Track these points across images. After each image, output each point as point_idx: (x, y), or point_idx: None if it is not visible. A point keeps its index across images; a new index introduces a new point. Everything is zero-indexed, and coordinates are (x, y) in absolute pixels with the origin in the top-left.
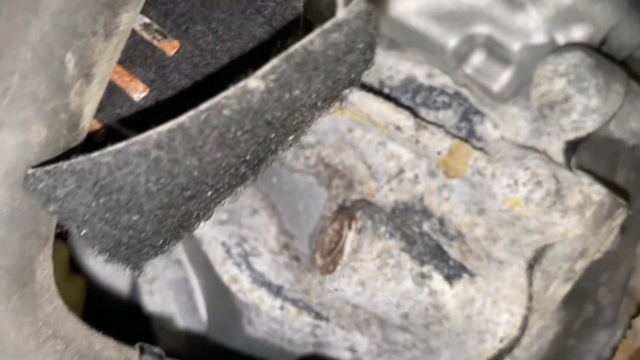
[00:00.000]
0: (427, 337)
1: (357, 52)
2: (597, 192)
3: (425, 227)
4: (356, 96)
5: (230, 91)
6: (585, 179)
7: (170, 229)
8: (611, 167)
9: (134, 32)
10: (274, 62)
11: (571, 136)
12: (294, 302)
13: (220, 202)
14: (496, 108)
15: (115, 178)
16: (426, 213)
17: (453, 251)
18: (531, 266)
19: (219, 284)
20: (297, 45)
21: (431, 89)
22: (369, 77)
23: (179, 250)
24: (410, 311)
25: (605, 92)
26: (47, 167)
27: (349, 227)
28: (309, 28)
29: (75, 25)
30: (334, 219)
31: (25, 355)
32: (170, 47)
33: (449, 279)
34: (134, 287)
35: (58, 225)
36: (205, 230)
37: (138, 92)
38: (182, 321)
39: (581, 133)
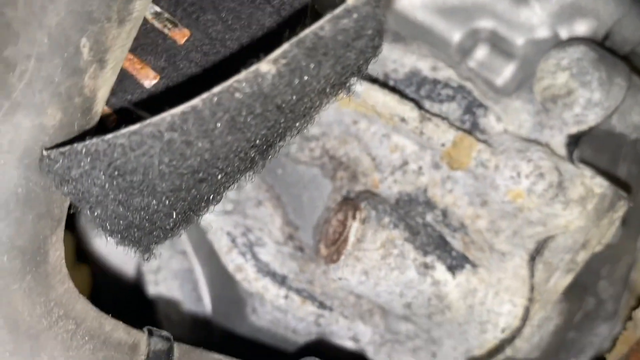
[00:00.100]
0: (430, 327)
1: (366, 38)
2: (599, 184)
3: (429, 218)
4: (361, 87)
5: (242, 75)
6: (587, 172)
7: (180, 212)
8: (613, 160)
9: (145, 21)
10: (285, 46)
11: (573, 130)
12: (298, 291)
13: (229, 186)
14: (499, 101)
15: (129, 159)
16: (430, 204)
17: (456, 242)
18: (533, 258)
19: (224, 274)
20: (307, 31)
21: (435, 82)
22: (374, 69)
23: (184, 241)
24: (413, 301)
25: (607, 86)
26: (62, 149)
27: (353, 218)
28: (316, 18)
29: (90, 11)
30: (338, 210)
31: (38, 334)
32: (180, 35)
33: (452, 269)
34: (139, 277)
35: (70, 208)
36: (211, 220)
37: (149, 79)
38: (187, 310)
39: (583, 127)
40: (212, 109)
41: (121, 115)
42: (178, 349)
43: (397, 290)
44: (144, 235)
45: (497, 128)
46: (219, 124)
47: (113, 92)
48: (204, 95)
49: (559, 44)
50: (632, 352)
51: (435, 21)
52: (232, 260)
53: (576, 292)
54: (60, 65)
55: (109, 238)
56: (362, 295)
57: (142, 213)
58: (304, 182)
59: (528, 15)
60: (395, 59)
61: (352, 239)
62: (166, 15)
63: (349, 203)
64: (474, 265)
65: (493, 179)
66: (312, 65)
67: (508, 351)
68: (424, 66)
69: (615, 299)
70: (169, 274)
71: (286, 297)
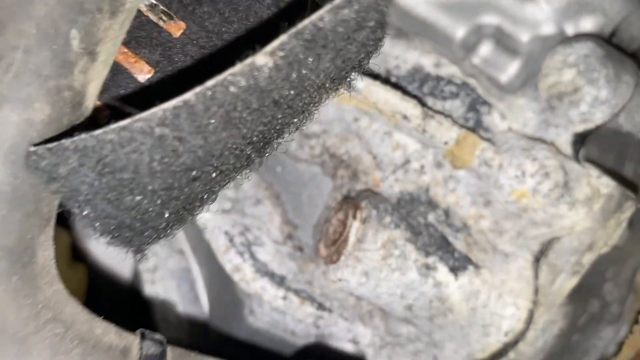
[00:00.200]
0: (431, 330)
1: (368, 29)
2: (606, 184)
3: (431, 218)
4: (363, 84)
5: (238, 68)
6: (594, 171)
7: (173, 212)
8: (619, 159)
9: (139, 13)
10: (283, 38)
11: (580, 128)
12: (297, 292)
13: (225, 185)
14: (504, 99)
15: (119, 156)
16: (432, 204)
17: (458, 243)
18: (537, 259)
19: (222, 274)
20: (306, 22)
21: (438, 78)
22: (375, 66)
23: (182, 239)
24: (414, 303)
25: (615, 84)
26: (50, 145)
27: (354, 217)
28: (315, 8)
29: (81, 2)
30: (339, 209)
31: (25, 338)
32: (176, 28)
33: (454, 270)
34: (136, 276)
35: (60, 206)
36: (208, 219)
37: (143, 74)
38: (183, 311)
39: (590, 125)
40: (206, 103)
41: (114, 110)
42: (171, 352)
43: (398, 291)
44: (136, 236)
45: (501, 126)
46: (212, 120)
47: (106, 87)
48: (197, 89)
49: (565, 40)
50: (638, 356)
51: (439, 16)
52: (230, 260)
53: (581, 294)
54: (49, 58)
55: (99, 238)
56: (362, 297)
57: (132, 212)
58: (304, 180)
59: (533, 11)
60: (397, 54)
61: (352, 239)
62: (161, 7)
63: (350, 202)
64: (476, 267)
65: (497, 178)
66: (310, 58)
67: (511, 355)
68: (427, 62)
69: (621, 302)
70: (166, 274)
71: (285, 298)
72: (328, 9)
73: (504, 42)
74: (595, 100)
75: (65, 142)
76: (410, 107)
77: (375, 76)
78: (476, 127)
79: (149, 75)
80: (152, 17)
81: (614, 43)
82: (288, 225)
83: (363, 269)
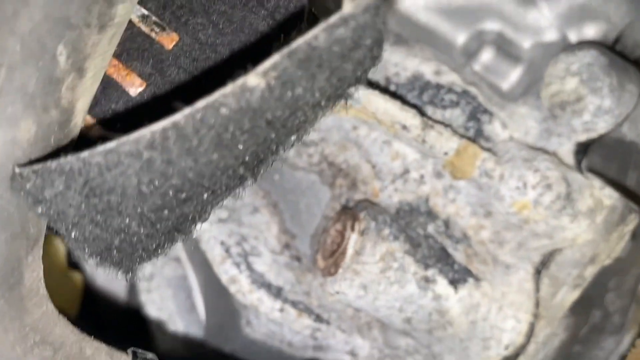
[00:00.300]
0: (430, 343)
1: (364, 48)
2: (609, 196)
3: (430, 229)
4: (361, 94)
5: (229, 89)
6: (597, 182)
7: (164, 232)
8: (622, 169)
9: (131, 24)
10: (275, 58)
11: (582, 137)
12: (294, 304)
13: (217, 204)
14: (505, 107)
15: (106, 179)
16: (431, 215)
17: (458, 254)
18: (538, 271)
19: (218, 283)
20: (300, 41)
21: (439, 86)
22: (374, 74)
23: (178, 247)
24: (413, 316)
25: (618, 93)
26: (35, 167)
27: (352, 229)
28: (314, 22)
29: (68, 16)
30: (337, 219)
31: None
32: (168, 40)
33: (454, 283)
34: (132, 284)
35: (48, 226)
36: (204, 229)
37: (135, 87)
38: (180, 320)
39: (593, 134)
40: (196, 125)
41: (106, 125)
42: None
43: (396, 304)
44: (125, 257)
45: (502, 135)
46: (203, 142)
47: (96, 101)
48: (187, 111)
49: (568, 47)
50: None
51: (439, 22)
52: (226, 271)
53: (583, 305)
54: (34, 75)
55: (88, 260)
56: (361, 309)
57: (121, 235)
58: (302, 188)
59: (536, 17)
60: (397, 62)
61: (350, 251)
62: (153, 18)
63: (348, 213)
64: (477, 279)
65: (498, 189)
66: (305, 78)
67: None
68: (427, 70)
69: (623, 312)
70: (162, 282)
71: (282, 310)
72: (323, 28)
73: (506, 49)
74: (599, 109)
75: (51, 164)
76: (410, 117)
77: (374, 84)
78: (477, 137)
79: (140, 89)
80: (143, 28)
81: (618, 50)
82: (285, 234)
83: (361, 282)
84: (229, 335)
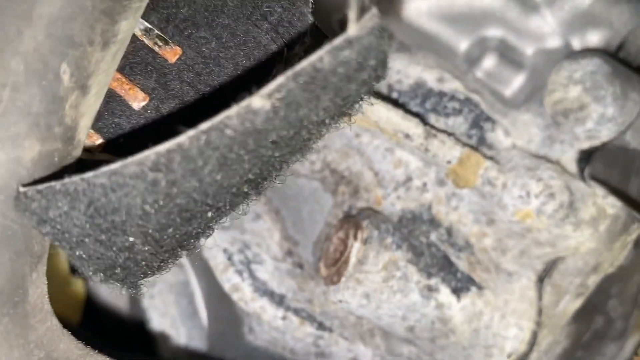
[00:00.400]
0: (433, 351)
1: (369, 69)
2: (612, 205)
3: (433, 237)
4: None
5: (233, 110)
6: (600, 191)
7: (168, 250)
8: (625, 176)
9: (134, 38)
10: (280, 80)
11: (585, 145)
12: (297, 311)
13: (221, 220)
14: (508, 114)
15: (110, 200)
16: (434, 222)
17: (461, 263)
18: (541, 279)
19: (221, 290)
20: (305, 63)
21: (441, 94)
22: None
23: None
24: (416, 324)
25: (622, 101)
26: (39, 187)
27: (355, 237)
28: (317, 35)
29: (71, 35)
30: (340, 227)
31: None
32: (171, 53)
33: (457, 291)
34: None
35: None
36: None
37: (138, 101)
38: (182, 326)
39: (596, 142)
40: (200, 147)
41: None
42: None
43: (399, 313)
44: (129, 274)
45: (505, 143)
46: (208, 162)
47: (99, 115)
48: (191, 133)
49: (571, 55)
50: None
51: (442, 29)
52: (229, 279)
53: (585, 312)
54: (38, 94)
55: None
56: (363, 317)
57: (126, 253)
58: (304, 195)
59: (539, 24)
60: (399, 69)
61: (353, 260)
62: (156, 32)
63: (351, 221)
64: (479, 287)
65: (500, 198)
66: (309, 99)
67: None
68: (430, 77)
69: (625, 318)
70: (164, 287)
71: (284, 318)
72: (328, 50)
73: (508, 55)
74: (602, 117)
75: (56, 184)
76: (413, 126)
77: (376, 93)
78: (479, 144)
79: (143, 103)
80: (146, 41)
81: (621, 57)
82: (288, 241)
83: (364, 290)
84: (231, 342)
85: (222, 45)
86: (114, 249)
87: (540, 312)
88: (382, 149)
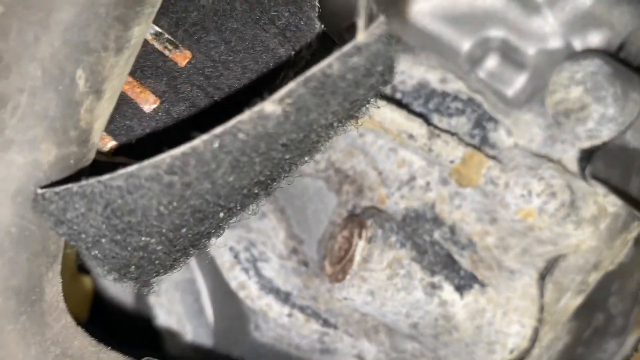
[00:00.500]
0: (436, 347)
1: (377, 74)
2: (612, 203)
3: (436, 235)
4: None
5: (246, 115)
6: (600, 190)
7: (181, 249)
8: (625, 175)
9: (145, 42)
10: (291, 85)
11: (586, 144)
12: (302, 309)
13: (232, 220)
14: (510, 114)
15: (127, 201)
16: (437, 221)
17: (464, 261)
18: (543, 277)
19: (226, 287)
20: (315, 69)
21: (444, 94)
22: None
23: None
24: (420, 321)
25: (622, 102)
26: (57, 189)
27: (359, 236)
28: (323, 39)
29: (86, 41)
30: (344, 226)
31: None
32: (181, 57)
33: (460, 289)
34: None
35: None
36: None
37: (149, 104)
38: (188, 323)
39: (596, 142)
40: (214, 151)
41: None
42: None
43: (403, 310)
44: (143, 273)
45: (507, 142)
46: (221, 165)
47: (112, 118)
48: (205, 137)
49: (572, 56)
50: None
51: (444, 30)
52: (235, 277)
53: (586, 309)
54: (54, 99)
55: (107, 276)
56: (368, 314)
57: (140, 252)
58: (309, 194)
59: (540, 25)
60: (403, 70)
61: (358, 258)
62: (166, 36)
63: (355, 220)
64: (482, 285)
65: (503, 197)
66: (319, 104)
67: None
68: (433, 78)
69: (625, 315)
70: (170, 285)
71: (290, 315)
72: (337, 57)
73: (510, 56)
74: (603, 117)
75: (73, 186)
76: (416, 127)
77: (380, 94)
78: (482, 144)
79: (154, 106)
80: (157, 45)
81: (621, 57)
82: (293, 239)
83: (369, 288)
84: (237, 339)
85: (231, 49)
86: (129, 248)
87: (541, 309)
88: (385, 149)
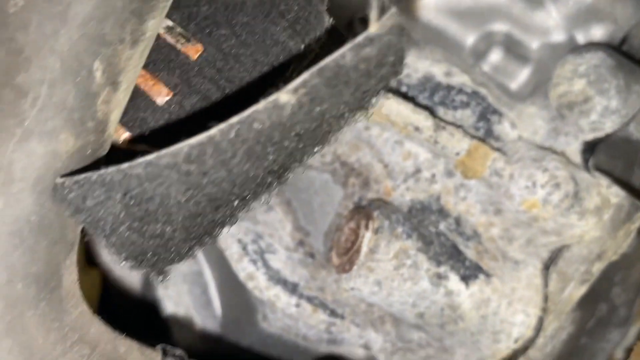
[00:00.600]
0: (442, 336)
1: (388, 65)
2: (616, 194)
3: (442, 227)
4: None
5: (261, 105)
6: (604, 181)
7: (196, 237)
8: (628, 167)
9: (157, 36)
10: (305, 76)
11: (589, 137)
12: (310, 299)
13: (245, 209)
14: (514, 107)
15: (145, 189)
16: (443, 213)
17: (469, 251)
18: (547, 267)
19: (234, 279)
20: (328, 60)
21: (449, 87)
22: None
23: None
24: (426, 311)
25: (625, 94)
26: (77, 177)
27: (366, 227)
28: (332, 32)
29: (103, 34)
30: (351, 218)
31: None
32: (193, 50)
33: (465, 279)
34: (148, 280)
35: (83, 230)
36: None
37: (161, 96)
38: (196, 315)
39: (600, 134)
40: (231, 139)
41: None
42: None
43: (410, 300)
44: (159, 260)
45: (511, 135)
46: (236, 154)
47: (125, 110)
48: (222, 126)
49: (575, 49)
50: None
51: (449, 24)
52: (244, 268)
53: (590, 299)
54: (72, 90)
55: (123, 263)
56: (374, 304)
57: (157, 240)
58: (315, 187)
59: (543, 18)
60: (407, 63)
61: (364, 249)
62: (179, 29)
63: (362, 212)
64: (487, 275)
65: (507, 188)
66: (332, 94)
67: None
68: (438, 71)
69: (628, 305)
70: (178, 277)
71: (298, 305)
72: (350, 47)
73: (514, 49)
74: (606, 110)
75: (92, 175)
76: (422, 119)
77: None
78: (487, 136)
79: (167, 98)
80: (169, 39)
81: (624, 50)
82: (299, 231)
83: (375, 278)
84: (245, 330)
85: (242, 42)
86: (147, 236)
87: (546, 298)
88: (391, 142)
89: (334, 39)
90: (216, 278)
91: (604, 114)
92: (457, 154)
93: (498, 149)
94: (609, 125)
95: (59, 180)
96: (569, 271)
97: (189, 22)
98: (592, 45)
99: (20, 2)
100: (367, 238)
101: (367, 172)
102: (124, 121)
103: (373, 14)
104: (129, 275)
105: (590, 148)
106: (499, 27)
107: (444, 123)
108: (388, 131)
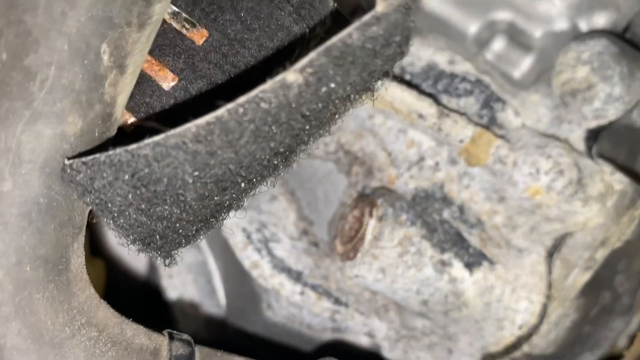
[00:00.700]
0: (446, 324)
1: (394, 45)
2: (619, 181)
3: (446, 214)
4: (379, 84)
5: (268, 85)
6: (607, 168)
7: (203, 219)
8: (631, 154)
9: (163, 21)
10: (312, 55)
11: (593, 124)
12: (314, 287)
13: (251, 192)
14: (517, 95)
15: (153, 170)
16: (446, 200)
17: (473, 239)
18: (551, 254)
19: (238, 268)
20: (335, 39)
21: (453, 76)
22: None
23: None
24: (430, 298)
25: (628, 81)
26: (85, 159)
27: (370, 215)
28: (337, 17)
29: (111, 17)
30: (355, 206)
31: (61, 343)
32: (199, 36)
33: (469, 266)
34: (153, 270)
35: (90, 213)
36: None
37: (167, 82)
38: (201, 304)
39: (603, 121)
40: (238, 119)
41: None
42: (199, 352)
43: (414, 287)
44: (166, 243)
45: (515, 122)
46: (244, 134)
47: (131, 95)
48: (230, 106)
49: (579, 36)
50: None
51: (452, 12)
52: (248, 257)
53: (593, 287)
54: (80, 73)
55: (130, 246)
56: (378, 292)
57: (165, 222)
58: (319, 176)
59: (546, 7)
60: (411, 51)
61: (369, 236)
62: (184, 15)
63: (366, 200)
64: (491, 262)
65: (511, 176)
66: (339, 74)
67: (525, 347)
68: (441, 60)
69: (631, 293)
70: (182, 267)
71: (302, 293)
72: (357, 26)
73: (517, 38)
74: (609, 97)
75: (100, 156)
76: (426, 106)
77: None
78: (490, 124)
79: (173, 83)
80: (175, 25)
81: (627, 38)
82: (303, 221)
83: (380, 265)
84: (250, 318)
85: (247, 27)
86: (154, 217)
87: (550, 285)
88: (395, 130)
89: (338, 23)
90: (220, 267)
91: (607, 101)
92: (461, 141)
93: (501, 137)
94: (612, 113)
95: (67, 161)
96: (573, 258)
97: (194, 8)
98: (595, 33)
99: None
100: (371, 225)
101: (371, 160)
102: (130, 106)
103: None
104: (134, 265)
105: (593, 135)
106: (502, 15)
107: (447, 110)
108: (392, 119)
